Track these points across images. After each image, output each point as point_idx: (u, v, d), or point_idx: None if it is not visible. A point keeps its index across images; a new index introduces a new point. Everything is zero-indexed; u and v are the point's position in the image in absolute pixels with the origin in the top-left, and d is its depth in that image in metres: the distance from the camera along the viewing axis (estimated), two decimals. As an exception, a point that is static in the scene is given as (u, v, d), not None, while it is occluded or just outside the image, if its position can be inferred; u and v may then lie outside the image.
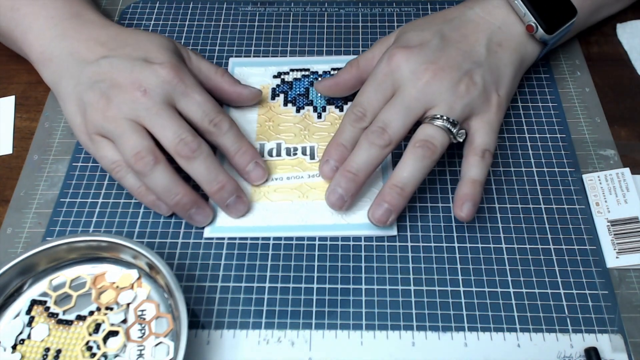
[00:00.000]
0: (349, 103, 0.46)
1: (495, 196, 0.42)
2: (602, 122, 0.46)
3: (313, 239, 0.40)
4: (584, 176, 0.43)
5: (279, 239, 0.40)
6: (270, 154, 0.44)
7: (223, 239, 0.40)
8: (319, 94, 0.47)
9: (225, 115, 0.41)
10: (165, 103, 0.38)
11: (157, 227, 0.41)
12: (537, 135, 0.45)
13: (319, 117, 0.46)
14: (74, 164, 0.44)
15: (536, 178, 0.43)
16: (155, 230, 0.41)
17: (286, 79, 0.48)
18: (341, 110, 0.46)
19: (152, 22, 0.53)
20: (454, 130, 0.38)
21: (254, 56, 0.51)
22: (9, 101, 0.49)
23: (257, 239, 0.40)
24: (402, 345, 0.36)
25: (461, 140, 0.39)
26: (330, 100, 0.47)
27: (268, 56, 0.51)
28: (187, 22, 0.53)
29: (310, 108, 0.46)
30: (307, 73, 0.49)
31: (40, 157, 0.45)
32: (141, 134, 0.38)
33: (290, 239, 0.40)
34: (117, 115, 0.38)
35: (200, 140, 0.38)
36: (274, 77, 0.49)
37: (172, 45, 0.42)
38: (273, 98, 0.47)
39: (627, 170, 0.42)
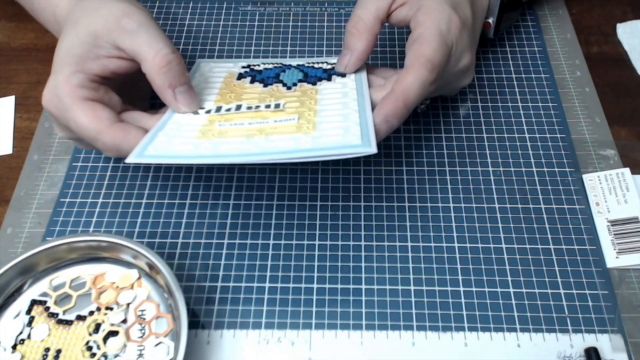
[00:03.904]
0: (323, 81, 0.41)
1: (495, 196, 0.42)
2: (602, 122, 0.46)
3: (313, 238, 0.40)
4: (584, 176, 0.43)
5: (279, 238, 0.40)
6: (228, 110, 0.38)
7: (224, 237, 0.40)
8: (290, 76, 0.42)
9: None
10: None
11: (157, 227, 0.41)
12: (537, 135, 0.45)
13: (289, 89, 0.41)
14: (74, 164, 0.44)
15: (536, 178, 0.43)
16: (155, 230, 0.41)
17: (256, 68, 0.44)
18: (314, 84, 0.41)
19: (152, 22, 0.53)
20: None
21: (254, 56, 0.51)
22: (9, 101, 0.49)
23: (257, 238, 0.40)
24: (402, 345, 0.36)
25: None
26: (302, 80, 0.42)
27: (268, 56, 0.51)
28: (186, 22, 0.53)
29: (280, 84, 0.41)
30: (278, 65, 0.44)
31: (40, 157, 0.45)
32: None
33: (291, 238, 0.40)
34: None
35: None
36: (243, 67, 0.44)
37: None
38: (239, 79, 0.42)
39: (627, 170, 0.42)
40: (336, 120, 0.36)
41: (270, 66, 0.44)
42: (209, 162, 0.34)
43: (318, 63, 0.44)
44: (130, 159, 0.33)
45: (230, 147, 0.34)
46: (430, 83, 0.37)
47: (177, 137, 0.35)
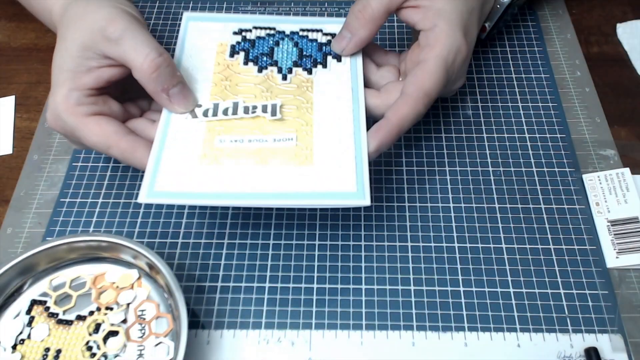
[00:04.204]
0: (319, 66, 0.41)
1: (495, 196, 0.42)
2: (602, 122, 0.46)
3: (313, 238, 0.40)
4: (584, 176, 0.43)
5: (279, 238, 0.40)
6: (225, 112, 0.38)
7: (224, 237, 0.40)
8: (285, 55, 0.42)
9: None
10: None
11: (157, 227, 0.41)
12: (537, 135, 0.45)
13: (284, 78, 0.40)
14: (74, 164, 0.44)
15: (536, 178, 0.43)
16: (155, 230, 0.41)
17: (248, 37, 0.43)
18: (309, 72, 0.41)
19: (152, 22, 0.53)
20: None
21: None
22: (9, 101, 0.49)
23: (257, 238, 0.40)
24: (402, 345, 0.36)
25: None
26: (297, 62, 0.41)
27: None
28: (187, 22, 0.53)
29: (275, 69, 0.41)
30: (272, 32, 0.43)
31: (40, 157, 0.45)
32: None
33: (291, 238, 0.40)
34: None
35: None
36: (235, 33, 0.43)
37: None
38: (232, 55, 0.41)
39: (627, 170, 0.42)
40: (332, 143, 0.37)
41: (263, 34, 0.43)
42: (214, 204, 0.38)
43: (313, 32, 0.43)
44: (141, 200, 0.34)
45: (230, 184, 0.35)
46: (423, 113, 0.37)
47: (181, 167, 0.36)
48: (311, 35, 0.43)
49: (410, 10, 0.39)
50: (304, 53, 0.42)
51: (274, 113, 0.38)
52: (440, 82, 0.37)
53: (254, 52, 0.42)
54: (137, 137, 0.36)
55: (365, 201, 0.35)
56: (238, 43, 0.42)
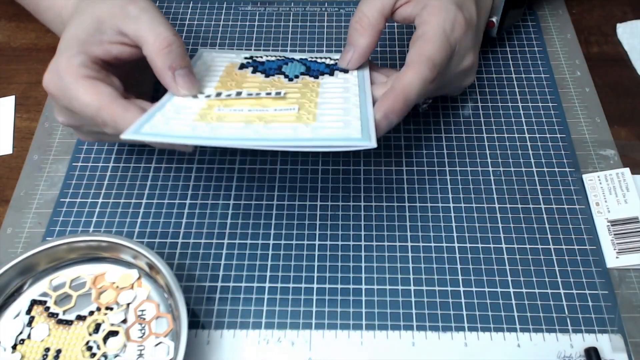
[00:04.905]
0: (326, 75, 0.41)
1: (495, 196, 0.42)
2: (602, 122, 0.46)
3: (313, 238, 0.40)
4: (584, 176, 0.43)
5: (279, 238, 0.40)
6: (228, 96, 0.38)
7: (224, 237, 0.40)
8: (293, 69, 0.42)
9: None
10: None
11: (157, 227, 0.41)
12: (537, 135, 0.45)
13: (290, 80, 0.41)
14: (74, 164, 0.44)
15: (536, 178, 0.43)
16: (155, 230, 0.41)
17: (258, 60, 0.44)
18: (316, 77, 0.41)
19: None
20: None
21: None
22: (9, 101, 0.49)
23: (257, 238, 0.40)
24: (402, 345, 0.36)
25: None
26: (305, 73, 0.42)
27: None
28: (186, 22, 0.53)
29: (282, 76, 0.41)
30: (280, 57, 0.44)
31: (40, 157, 0.45)
32: None
33: (291, 238, 0.40)
34: None
35: None
36: (245, 58, 0.44)
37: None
38: (241, 69, 0.42)
39: (627, 170, 0.42)
40: (337, 113, 0.36)
41: (273, 58, 0.44)
42: (206, 144, 0.34)
43: (321, 58, 0.44)
44: (126, 135, 0.33)
45: (229, 131, 0.34)
46: (431, 81, 0.37)
47: (175, 119, 0.35)
48: (319, 60, 0.43)
49: (403, 7, 0.40)
50: (312, 69, 0.42)
51: (277, 94, 0.37)
52: (442, 48, 0.37)
53: (263, 67, 0.42)
54: (132, 103, 0.36)
55: (372, 143, 0.32)
56: (248, 63, 0.43)
